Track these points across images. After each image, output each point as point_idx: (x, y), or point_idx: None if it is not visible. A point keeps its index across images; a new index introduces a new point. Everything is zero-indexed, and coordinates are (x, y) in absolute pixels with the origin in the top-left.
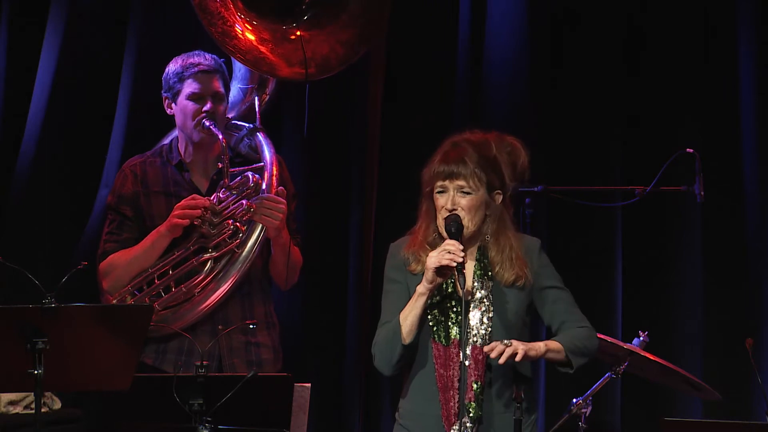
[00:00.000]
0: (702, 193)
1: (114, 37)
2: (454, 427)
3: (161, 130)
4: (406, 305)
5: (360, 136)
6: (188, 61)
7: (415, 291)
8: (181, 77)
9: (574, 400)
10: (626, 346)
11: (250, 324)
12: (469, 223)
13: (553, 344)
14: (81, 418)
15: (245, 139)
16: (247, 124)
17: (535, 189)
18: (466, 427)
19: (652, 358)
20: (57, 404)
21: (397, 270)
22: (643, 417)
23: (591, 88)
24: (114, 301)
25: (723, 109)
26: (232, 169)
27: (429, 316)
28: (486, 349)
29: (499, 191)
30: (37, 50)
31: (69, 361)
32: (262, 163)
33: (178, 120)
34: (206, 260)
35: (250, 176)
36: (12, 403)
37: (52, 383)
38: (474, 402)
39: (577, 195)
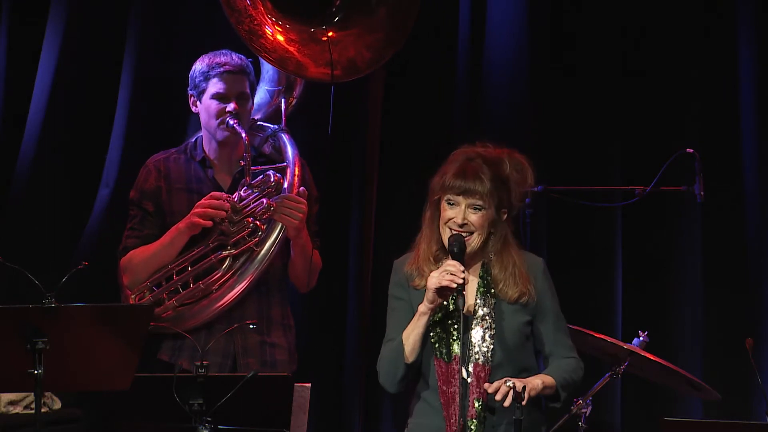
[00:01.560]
0: (702, 193)
1: (114, 37)
2: None
3: (162, 130)
4: (409, 323)
5: (360, 136)
6: (215, 61)
7: (418, 307)
8: (206, 76)
9: (574, 400)
10: (626, 346)
11: (249, 324)
12: (476, 239)
13: (548, 380)
14: (81, 418)
15: (269, 139)
16: (272, 125)
17: (535, 189)
18: None
19: (652, 358)
20: (57, 404)
21: (400, 287)
22: (643, 417)
23: (591, 88)
24: (133, 297)
25: (723, 109)
26: (255, 168)
27: (431, 333)
28: (490, 390)
29: (505, 210)
30: (37, 50)
31: (69, 361)
32: (284, 163)
33: (202, 118)
34: (225, 257)
35: (272, 175)
36: (12, 403)
37: (52, 383)
38: (476, 419)
39: (577, 195)
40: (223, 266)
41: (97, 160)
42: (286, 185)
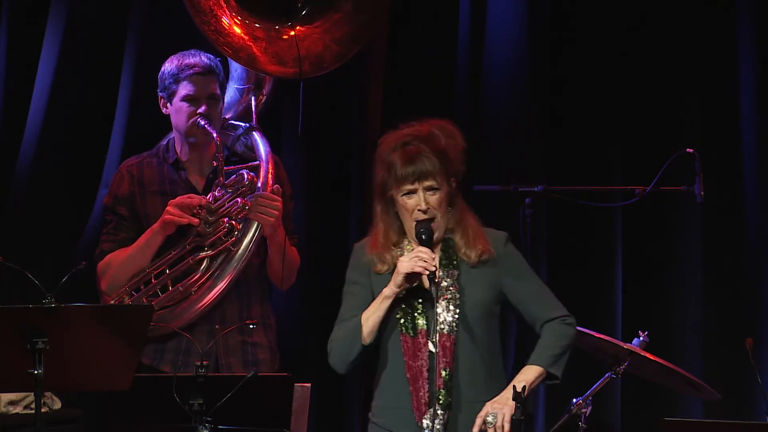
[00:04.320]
0: (702, 193)
1: (114, 37)
2: (425, 417)
3: (162, 130)
4: (368, 305)
5: (360, 136)
6: (184, 62)
7: (380, 291)
8: (176, 78)
9: (574, 400)
10: (626, 346)
11: (250, 324)
12: (441, 221)
13: (530, 375)
14: (81, 418)
15: (241, 138)
16: (243, 124)
17: (535, 189)
18: (437, 414)
19: (652, 358)
20: (57, 404)
21: (359, 271)
22: (643, 417)
23: (591, 88)
24: (112, 302)
25: (723, 109)
26: (228, 168)
27: (396, 310)
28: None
29: (454, 179)
30: (37, 50)
31: (69, 361)
32: (257, 162)
33: (173, 120)
34: (202, 259)
35: (245, 174)
36: (12, 403)
37: (52, 383)
38: (443, 389)
39: (577, 195)
40: (201, 267)
41: (97, 160)
42: (260, 183)
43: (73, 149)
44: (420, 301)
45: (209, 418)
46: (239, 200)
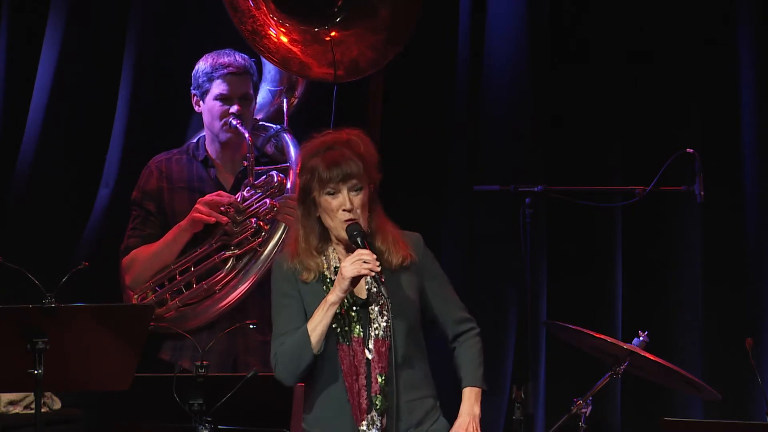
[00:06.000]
0: (702, 193)
1: (114, 36)
2: (362, 423)
3: (162, 130)
4: (303, 315)
5: None
6: (218, 61)
7: (311, 300)
8: (210, 77)
9: (574, 400)
10: (626, 346)
11: (250, 324)
12: (363, 222)
13: (476, 399)
14: (81, 418)
15: (272, 139)
16: (274, 125)
17: (535, 189)
18: (374, 420)
19: (652, 358)
20: (57, 404)
21: (288, 283)
22: (643, 417)
23: (591, 88)
24: (136, 297)
25: (723, 109)
26: (258, 168)
27: (332, 320)
28: None
29: (372, 185)
30: (37, 50)
31: (69, 361)
32: (287, 164)
33: (205, 119)
34: (228, 257)
35: (275, 175)
36: (12, 403)
37: (52, 383)
38: (380, 394)
39: (577, 195)
40: (227, 266)
41: (97, 160)
42: (289, 185)
43: (73, 149)
44: (355, 309)
45: (209, 418)
46: (268, 201)
